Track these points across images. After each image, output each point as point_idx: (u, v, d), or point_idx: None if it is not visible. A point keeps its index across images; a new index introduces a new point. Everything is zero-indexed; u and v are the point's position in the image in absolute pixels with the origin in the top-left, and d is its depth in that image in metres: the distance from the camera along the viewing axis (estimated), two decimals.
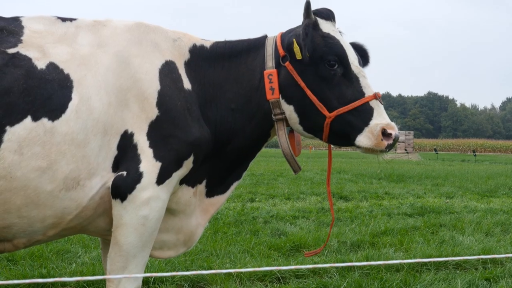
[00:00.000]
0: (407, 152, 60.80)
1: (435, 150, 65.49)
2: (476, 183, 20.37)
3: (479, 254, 7.48)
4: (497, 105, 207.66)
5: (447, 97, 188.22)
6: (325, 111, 3.81)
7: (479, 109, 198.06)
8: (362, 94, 3.83)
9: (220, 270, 2.42)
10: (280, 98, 3.91)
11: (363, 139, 3.77)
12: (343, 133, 3.86)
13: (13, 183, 3.31)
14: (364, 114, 3.79)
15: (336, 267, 6.79)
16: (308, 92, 3.83)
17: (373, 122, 3.77)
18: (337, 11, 4.07)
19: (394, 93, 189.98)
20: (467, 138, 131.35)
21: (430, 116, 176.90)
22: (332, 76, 3.83)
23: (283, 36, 4.04)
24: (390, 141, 3.75)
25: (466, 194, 16.54)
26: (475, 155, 56.49)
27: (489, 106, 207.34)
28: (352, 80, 3.86)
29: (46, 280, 2.12)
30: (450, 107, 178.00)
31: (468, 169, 31.84)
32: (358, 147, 3.82)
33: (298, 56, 3.82)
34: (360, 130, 3.79)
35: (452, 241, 8.67)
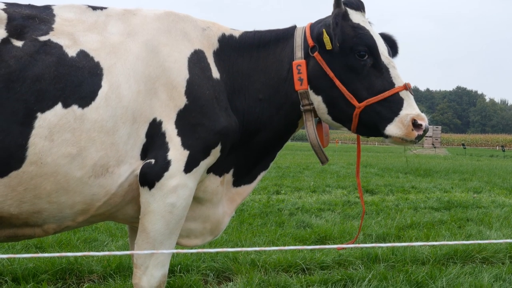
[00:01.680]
0: (435, 147, 60.30)
1: (463, 145, 64.77)
2: (505, 179, 20.14)
3: (507, 249, 7.41)
4: None
5: (476, 92, 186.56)
6: (354, 101, 3.80)
7: (509, 104, 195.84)
8: (392, 84, 3.82)
9: (247, 248, 2.44)
10: (309, 89, 3.91)
11: (393, 129, 3.78)
12: (372, 123, 3.86)
13: (44, 169, 3.36)
14: (394, 105, 3.79)
15: (361, 260, 6.79)
16: (337, 83, 3.82)
17: (403, 112, 3.77)
18: (365, 4, 4.05)
19: (422, 88, 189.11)
20: (496, 133, 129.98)
21: (459, 111, 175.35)
22: (362, 66, 3.83)
23: (313, 26, 4.03)
24: (421, 132, 3.75)
25: (494, 189, 16.35)
26: (504, 151, 55.83)
27: None
28: (382, 71, 3.85)
29: (74, 254, 2.16)
30: (479, 102, 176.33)
31: (496, 164, 31.51)
32: (388, 136, 3.82)
33: (328, 46, 3.82)
34: (390, 120, 3.79)
35: (479, 235, 8.58)
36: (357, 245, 3.01)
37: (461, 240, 8.00)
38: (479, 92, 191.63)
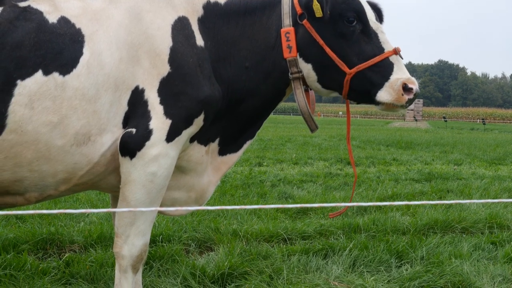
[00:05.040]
0: (416, 120, 60.56)
1: (444, 118, 65.11)
2: (485, 151, 20.36)
3: (486, 219, 7.50)
4: (508, 74, 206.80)
5: (457, 65, 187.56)
6: (345, 68, 3.79)
7: (490, 78, 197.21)
8: (381, 49, 3.81)
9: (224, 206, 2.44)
10: (298, 57, 3.89)
11: (383, 94, 3.76)
12: (363, 89, 3.84)
13: (24, 137, 3.33)
14: (384, 69, 3.78)
15: (343, 230, 6.84)
16: (327, 50, 3.80)
17: (393, 77, 3.76)
18: None
19: (404, 61, 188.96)
20: (476, 107, 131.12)
21: (440, 85, 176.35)
22: (351, 32, 3.80)
23: None
24: (411, 96, 3.75)
25: (474, 162, 16.53)
26: (484, 124, 56.44)
27: (499, 75, 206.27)
28: (371, 36, 3.83)
29: (73, 211, 2.14)
30: (460, 75, 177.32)
31: (477, 137, 31.82)
32: (379, 103, 3.82)
33: (319, 14, 3.77)
34: (380, 86, 3.77)
35: (459, 206, 8.67)
36: (349, 203, 3.03)
37: (441, 211, 8.08)
38: (461, 65, 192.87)
